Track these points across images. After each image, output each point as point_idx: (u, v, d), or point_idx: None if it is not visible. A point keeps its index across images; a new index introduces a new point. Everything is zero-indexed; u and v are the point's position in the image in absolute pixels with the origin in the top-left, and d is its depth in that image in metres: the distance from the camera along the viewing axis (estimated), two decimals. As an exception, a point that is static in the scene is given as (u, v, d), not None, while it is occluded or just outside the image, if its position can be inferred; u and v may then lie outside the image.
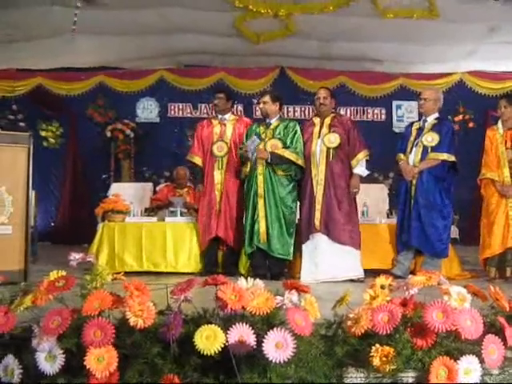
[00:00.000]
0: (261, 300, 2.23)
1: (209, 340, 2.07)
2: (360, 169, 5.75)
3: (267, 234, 5.69)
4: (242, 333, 2.10)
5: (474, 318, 2.30)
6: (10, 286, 2.57)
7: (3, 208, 4.92)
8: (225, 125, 6.18)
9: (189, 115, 10.71)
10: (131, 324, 2.16)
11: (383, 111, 10.91)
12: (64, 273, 2.38)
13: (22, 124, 10.09)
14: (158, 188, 8.58)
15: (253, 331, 2.12)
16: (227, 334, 2.08)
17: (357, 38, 9.26)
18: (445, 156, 5.70)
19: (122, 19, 8.53)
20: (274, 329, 2.10)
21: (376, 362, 2.23)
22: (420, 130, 5.88)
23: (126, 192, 7.60)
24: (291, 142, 5.75)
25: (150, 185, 8.97)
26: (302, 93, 10.69)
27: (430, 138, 5.75)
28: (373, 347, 2.24)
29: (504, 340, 2.34)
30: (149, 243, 6.17)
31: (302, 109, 10.81)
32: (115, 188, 8.37)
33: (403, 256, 5.84)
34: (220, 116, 6.24)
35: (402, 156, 5.91)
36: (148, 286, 2.30)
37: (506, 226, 5.68)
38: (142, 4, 8.28)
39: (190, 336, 2.11)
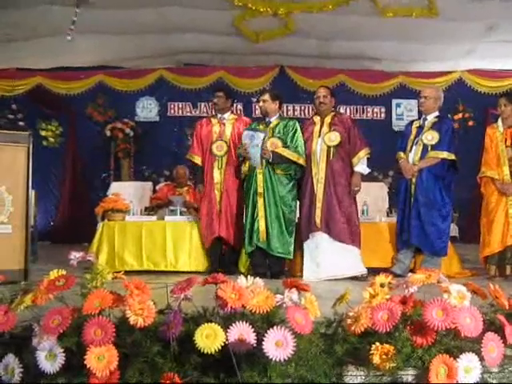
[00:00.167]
0: (261, 298, 2.23)
1: (209, 338, 2.08)
2: (361, 167, 5.75)
3: (267, 232, 5.69)
4: (242, 331, 2.11)
5: (473, 316, 2.30)
6: (10, 286, 2.58)
7: (3, 207, 4.92)
8: (224, 124, 6.18)
9: (188, 114, 10.72)
10: (131, 323, 2.16)
11: (383, 110, 10.92)
12: (64, 272, 2.38)
13: (21, 123, 10.08)
14: (157, 187, 8.58)
15: (253, 330, 2.12)
16: (227, 332, 2.09)
17: (356, 37, 9.26)
18: (445, 154, 5.70)
19: (121, 18, 8.54)
20: (274, 327, 2.10)
21: (376, 360, 2.23)
22: (420, 129, 5.88)
23: (126, 191, 7.61)
24: (291, 141, 5.75)
25: (149, 184, 8.98)
26: (302, 91, 10.70)
27: (430, 137, 5.75)
28: (373, 345, 2.25)
29: (504, 338, 2.34)
30: (149, 242, 6.18)
31: (302, 107, 10.82)
32: (115, 187, 8.37)
33: (403, 254, 5.84)
34: (219, 115, 6.24)
35: (401, 154, 5.91)
36: (148, 285, 2.30)
37: (506, 224, 5.68)
38: (141, 3, 8.28)
39: (190, 335, 2.11)
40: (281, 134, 5.79)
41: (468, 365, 2.23)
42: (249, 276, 2.37)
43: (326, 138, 5.71)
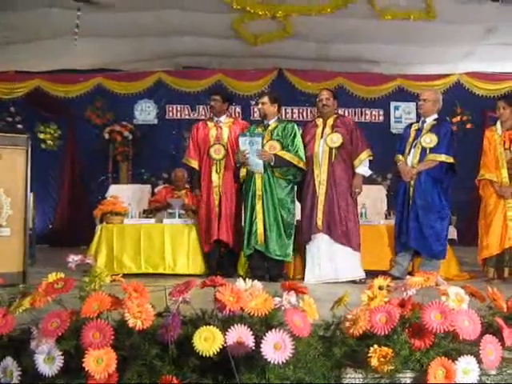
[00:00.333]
0: (259, 301, 2.23)
1: (207, 341, 2.08)
2: (363, 169, 5.76)
3: (265, 235, 5.69)
4: (241, 334, 2.11)
5: (471, 319, 2.30)
6: (8, 288, 2.58)
7: (1, 210, 4.92)
8: (221, 127, 6.17)
9: (187, 117, 10.72)
10: (130, 325, 2.16)
11: (381, 112, 10.93)
12: (63, 275, 2.38)
13: (19, 126, 10.08)
14: (156, 190, 8.59)
15: (251, 332, 2.12)
16: (226, 335, 2.09)
17: (354, 40, 9.28)
18: (443, 157, 5.71)
19: (120, 21, 8.54)
20: (273, 330, 2.10)
21: (374, 362, 2.23)
22: (419, 131, 5.89)
23: (125, 194, 7.62)
24: (292, 145, 5.75)
25: (148, 186, 8.98)
26: (300, 94, 10.71)
27: (429, 139, 5.76)
28: (371, 348, 2.25)
29: (502, 340, 2.34)
30: (147, 245, 6.18)
31: (300, 110, 10.82)
32: (113, 190, 8.37)
33: (401, 257, 5.84)
34: (215, 118, 6.24)
35: (400, 157, 5.92)
36: (146, 288, 2.30)
37: (504, 226, 5.69)
38: (140, 6, 8.29)
39: (189, 337, 2.11)
40: (279, 136, 5.80)
41: (466, 367, 2.23)
42: (247, 279, 2.38)
43: (328, 140, 5.72)
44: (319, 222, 5.62)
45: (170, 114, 10.81)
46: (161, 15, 8.54)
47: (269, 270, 5.75)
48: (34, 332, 2.23)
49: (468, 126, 10.64)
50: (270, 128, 5.87)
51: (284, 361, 2.07)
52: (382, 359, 2.22)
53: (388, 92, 10.84)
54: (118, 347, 2.14)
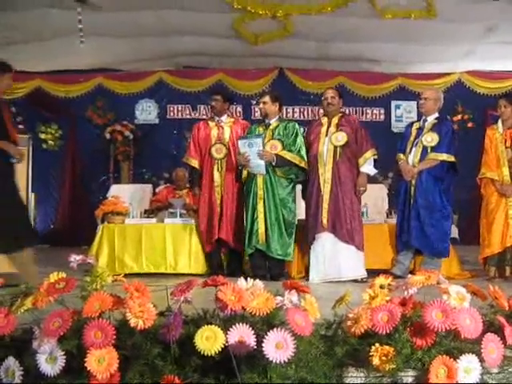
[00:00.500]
0: (261, 300, 2.23)
1: (209, 341, 2.08)
2: (367, 167, 5.76)
3: (266, 234, 5.69)
4: (242, 333, 2.11)
5: (473, 317, 2.30)
6: (10, 288, 2.58)
7: (3, 210, 4.92)
8: (222, 127, 6.17)
9: (188, 116, 10.72)
10: (131, 325, 2.16)
11: (382, 111, 10.93)
12: (64, 275, 2.38)
13: (21, 126, 10.08)
14: (157, 189, 8.59)
15: (253, 332, 2.12)
16: (227, 334, 2.09)
17: (355, 39, 9.27)
18: (444, 156, 5.71)
19: (120, 21, 8.54)
20: (274, 329, 2.10)
21: (376, 361, 2.23)
22: (420, 130, 5.89)
23: (126, 194, 7.62)
24: (293, 145, 5.75)
25: (149, 186, 8.99)
26: (301, 93, 10.72)
27: (430, 138, 5.76)
28: (372, 347, 2.25)
29: (503, 339, 2.34)
30: (148, 245, 6.18)
31: (301, 109, 10.82)
32: (115, 190, 8.38)
33: (403, 256, 5.84)
34: (217, 118, 6.24)
35: (401, 156, 5.92)
36: (148, 288, 2.31)
37: (506, 225, 5.69)
38: (141, 6, 8.29)
39: (191, 337, 2.11)
40: (281, 135, 5.80)
41: (468, 366, 2.23)
42: (248, 278, 2.38)
43: (332, 138, 5.72)
44: (324, 221, 5.62)
45: (171, 113, 10.82)
46: (161, 15, 8.54)
47: (270, 269, 5.76)
48: (35, 332, 2.24)
49: (469, 124, 10.63)
50: (271, 127, 5.87)
51: (286, 360, 2.07)
52: (383, 358, 2.22)
53: (389, 91, 10.84)
54: (119, 347, 2.14)
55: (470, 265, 6.45)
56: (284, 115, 9.99)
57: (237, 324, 2.12)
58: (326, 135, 5.77)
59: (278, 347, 2.07)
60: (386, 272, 3.00)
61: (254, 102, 10.34)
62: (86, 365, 2.08)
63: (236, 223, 6.02)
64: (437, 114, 5.93)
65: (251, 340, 2.10)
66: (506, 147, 5.78)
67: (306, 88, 10.68)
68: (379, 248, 6.07)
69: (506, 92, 9.98)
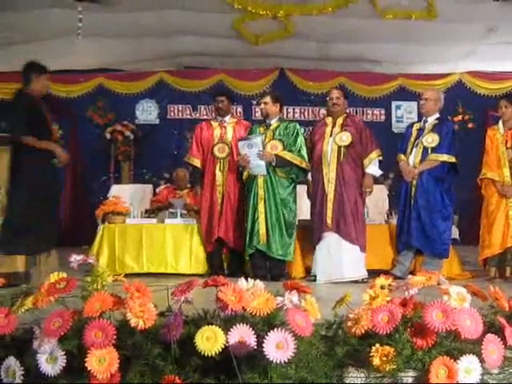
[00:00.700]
0: (261, 301, 2.23)
1: (209, 341, 2.08)
2: (372, 168, 5.76)
3: (267, 235, 5.69)
4: (243, 333, 2.11)
5: (473, 318, 2.30)
6: (11, 288, 2.58)
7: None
8: (225, 127, 6.18)
9: (188, 117, 10.71)
10: (132, 325, 2.16)
11: (382, 112, 10.91)
12: (65, 275, 2.38)
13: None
14: (157, 190, 8.59)
15: (253, 332, 2.12)
16: (228, 334, 2.09)
17: (356, 39, 9.27)
18: (445, 157, 5.71)
19: (121, 21, 8.55)
20: (275, 329, 2.11)
21: (376, 361, 2.23)
22: (420, 131, 5.89)
23: (126, 194, 7.61)
24: (294, 145, 5.75)
25: (149, 186, 8.98)
26: (302, 94, 10.71)
27: (430, 139, 5.76)
28: (373, 347, 2.25)
29: (504, 339, 2.34)
30: (149, 245, 6.18)
31: (302, 110, 10.81)
32: (115, 190, 8.37)
33: (403, 256, 5.84)
34: (220, 118, 6.24)
35: (402, 157, 5.92)
36: (148, 288, 2.31)
37: (506, 225, 5.69)
38: (142, 6, 8.29)
39: (191, 337, 2.11)
40: (281, 136, 5.80)
41: (468, 366, 2.23)
42: (249, 278, 2.38)
43: (337, 139, 5.72)
44: (328, 221, 5.62)
45: (172, 113, 10.81)
46: (162, 15, 8.54)
47: (270, 269, 5.75)
48: (36, 332, 2.24)
49: (470, 125, 10.62)
50: (271, 128, 5.87)
51: (286, 360, 2.07)
52: (383, 358, 2.23)
53: (389, 91, 10.83)
54: (120, 347, 2.15)
55: (471, 265, 6.45)
56: (284, 115, 9.97)
57: (237, 324, 2.12)
58: (331, 135, 5.76)
59: (278, 347, 2.07)
60: (386, 272, 3.01)
61: (255, 103, 10.34)
62: (86, 365, 2.08)
63: (236, 223, 6.01)
64: (437, 115, 5.92)
65: (252, 340, 2.10)
66: (507, 148, 5.78)
67: (306, 88, 10.67)
68: (379, 248, 6.06)
69: (507, 93, 9.98)
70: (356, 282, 5.49)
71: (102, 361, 2.08)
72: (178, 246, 6.20)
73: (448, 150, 5.73)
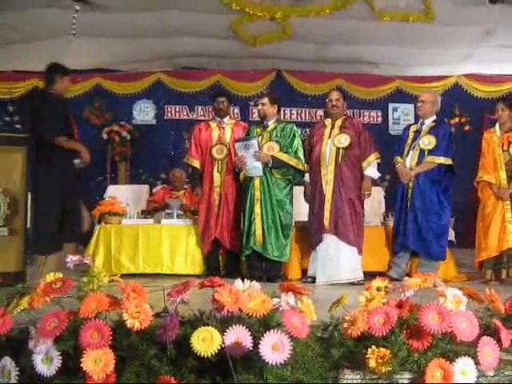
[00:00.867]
0: (257, 302, 2.23)
1: (205, 342, 2.08)
2: (371, 171, 5.76)
3: (263, 236, 5.69)
4: (239, 335, 2.11)
5: (469, 320, 2.31)
6: (6, 288, 2.57)
7: (-1, 210, 4.92)
8: (223, 128, 6.19)
9: (185, 117, 10.70)
10: (128, 326, 2.16)
11: (379, 114, 10.91)
12: (61, 275, 2.38)
13: (18, 126, 10.07)
14: (154, 190, 8.57)
15: (249, 333, 2.12)
16: (224, 335, 2.09)
17: (353, 41, 9.27)
18: (441, 159, 5.72)
19: (119, 22, 8.53)
20: (271, 331, 2.11)
21: (372, 363, 2.23)
22: (417, 133, 5.90)
23: (123, 194, 7.60)
24: (290, 146, 5.76)
25: (146, 187, 8.96)
26: (299, 95, 10.70)
27: (427, 141, 5.77)
28: (369, 349, 2.25)
29: (499, 342, 2.34)
30: (145, 245, 6.18)
31: (299, 111, 10.81)
32: (112, 190, 8.35)
33: (399, 258, 5.85)
34: (218, 119, 6.24)
35: (399, 159, 5.92)
36: (145, 288, 2.31)
37: (503, 228, 5.70)
38: (139, 6, 8.28)
39: (187, 338, 2.11)
40: (278, 137, 5.81)
41: (464, 368, 2.23)
42: (245, 279, 2.38)
43: (335, 140, 5.72)
44: (326, 222, 5.61)
45: (169, 114, 10.79)
46: (160, 16, 8.53)
47: (267, 270, 5.75)
48: (31, 332, 2.23)
49: (466, 127, 10.64)
50: (268, 129, 5.87)
51: (282, 361, 2.07)
52: (379, 360, 2.23)
53: (386, 93, 10.83)
54: (116, 347, 2.14)
55: (467, 268, 6.46)
56: (281, 117, 9.97)
57: (233, 325, 2.12)
58: (329, 137, 5.76)
59: (274, 349, 2.08)
60: (382, 274, 3.01)
61: (252, 104, 10.34)
62: (82, 365, 2.08)
63: (233, 224, 6.02)
64: (434, 117, 5.93)
65: (248, 341, 2.10)
66: (504, 150, 5.79)
67: (303, 90, 10.67)
68: (376, 250, 6.07)
69: (504, 95, 9.99)
70: (352, 283, 5.49)
71: (97, 361, 2.08)
72: (175, 247, 6.21)
73: (445, 152, 5.74)
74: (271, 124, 5.90)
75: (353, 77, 10.69)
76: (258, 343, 2.07)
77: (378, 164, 5.81)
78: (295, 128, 5.92)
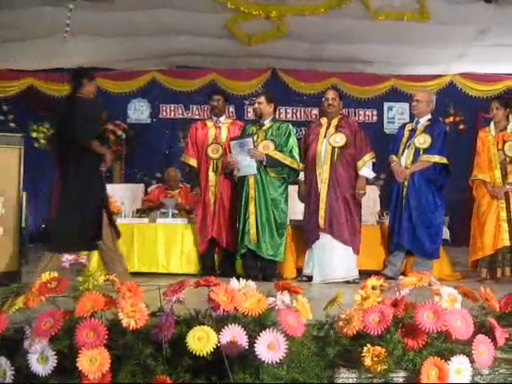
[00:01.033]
0: (253, 301, 2.23)
1: (201, 341, 2.08)
2: (366, 170, 5.76)
3: (257, 235, 5.69)
4: (235, 334, 2.11)
5: (464, 319, 2.31)
6: (1, 288, 2.57)
7: (-6, 209, 4.92)
8: (220, 127, 6.18)
9: (180, 116, 10.68)
10: (123, 325, 2.15)
11: (374, 113, 10.92)
12: (56, 274, 2.37)
13: (12, 125, 10.04)
14: (149, 189, 8.57)
15: (245, 332, 2.12)
16: (219, 335, 2.09)
17: (348, 40, 9.27)
18: (436, 158, 5.73)
19: (113, 20, 8.52)
20: (266, 330, 2.11)
21: (367, 362, 2.24)
22: (412, 132, 5.91)
23: (118, 193, 7.57)
24: (285, 145, 5.76)
25: (141, 186, 8.95)
26: (294, 94, 10.70)
27: (422, 140, 5.78)
28: (364, 348, 2.25)
29: (494, 340, 2.35)
30: (140, 244, 6.18)
31: (294, 110, 10.81)
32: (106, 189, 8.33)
33: (394, 257, 5.86)
34: (215, 118, 6.24)
35: (394, 157, 5.93)
36: (140, 287, 2.30)
37: (498, 227, 5.71)
38: (134, 5, 8.27)
39: (183, 337, 2.11)
40: (273, 136, 5.81)
41: (459, 367, 2.24)
42: (241, 278, 2.38)
43: (331, 139, 5.72)
44: (321, 221, 5.62)
45: (164, 113, 10.78)
46: (155, 14, 8.52)
47: (262, 269, 5.76)
48: (27, 332, 2.23)
49: (461, 126, 10.65)
50: (264, 128, 5.87)
51: (278, 360, 2.07)
52: (375, 359, 2.23)
53: (381, 92, 10.83)
54: (111, 347, 2.14)
55: (462, 266, 6.47)
56: (276, 116, 9.99)
57: (229, 324, 2.12)
58: (325, 136, 5.77)
59: (270, 348, 2.08)
60: (377, 273, 3.01)
61: (247, 103, 10.35)
62: (77, 365, 2.07)
63: (229, 223, 6.02)
64: (429, 116, 5.95)
65: (243, 340, 2.10)
66: (498, 149, 5.80)
67: (298, 89, 10.67)
68: (371, 249, 6.07)
69: (498, 94, 10.02)
70: (347, 282, 5.50)
71: (93, 361, 2.08)
72: (170, 246, 6.21)
73: (440, 151, 5.75)
74: (267, 123, 5.90)
75: (348, 76, 10.69)
76: (254, 342, 2.07)
77: (373, 164, 5.81)
78: (291, 127, 5.92)
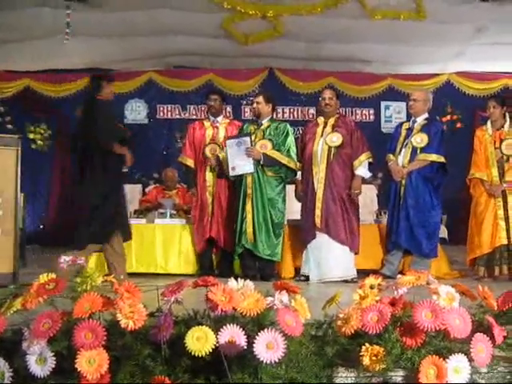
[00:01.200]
0: (251, 301, 2.23)
1: (200, 341, 2.08)
2: (362, 170, 5.77)
3: (254, 234, 5.69)
4: (233, 334, 2.11)
5: (462, 317, 2.31)
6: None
7: (-8, 211, 4.91)
8: (217, 127, 6.18)
9: (177, 117, 10.69)
10: (122, 326, 2.15)
11: (371, 112, 10.94)
12: (54, 275, 2.37)
13: (9, 126, 10.03)
14: (147, 190, 8.57)
15: (243, 332, 2.12)
16: (218, 335, 2.09)
17: (345, 39, 9.28)
18: (434, 157, 5.73)
19: (111, 21, 8.52)
20: (265, 329, 2.11)
21: (366, 361, 2.24)
22: (409, 131, 5.91)
23: (116, 194, 7.57)
24: (283, 145, 5.76)
25: (138, 186, 8.96)
26: (291, 94, 10.71)
27: (419, 139, 5.78)
28: (363, 347, 2.25)
29: (492, 338, 2.35)
30: (138, 245, 6.17)
31: (291, 110, 10.82)
32: (104, 190, 8.32)
33: (392, 256, 5.86)
34: (212, 118, 6.24)
35: (391, 156, 5.93)
36: (138, 288, 2.30)
37: (495, 225, 5.73)
38: (131, 5, 8.27)
39: (181, 337, 2.11)
40: (271, 135, 5.81)
41: (457, 365, 2.24)
42: (239, 278, 2.38)
43: (327, 139, 5.72)
44: (318, 221, 5.62)
45: (161, 113, 10.78)
46: (152, 14, 8.52)
47: (260, 269, 5.76)
48: (25, 333, 2.23)
49: (458, 125, 10.68)
50: (262, 127, 5.88)
51: (276, 360, 2.07)
52: (373, 358, 2.23)
53: (379, 91, 10.85)
54: (110, 348, 2.14)
55: (459, 265, 6.48)
56: (274, 115, 10.00)
57: (227, 324, 2.12)
58: (322, 135, 5.77)
59: (268, 347, 2.08)
60: (375, 272, 3.01)
61: (244, 102, 10.35)
62: (76, 366, 2.07)
63: (227, 223, 6.02)
64: (426, 115, 5.95)
65: (242, 340, 2.10)
66: (495, 148, 5.81)
67: (296, 88, 10.68)
68: (369, 248, 6.07)
69: (495, 93, 10.04)
70: (346, 281, 5.50)
71: (91, 362, 2.08)
72: (168, 246, 6.20)
73: (437, 149, 5.76)
74: (265, 122, 5.90)
75: (345, 75, 10.71)
76: (253, 342, 2.07)
77: (370, 163, 5.81)
78: (289, 127, 5.92)
